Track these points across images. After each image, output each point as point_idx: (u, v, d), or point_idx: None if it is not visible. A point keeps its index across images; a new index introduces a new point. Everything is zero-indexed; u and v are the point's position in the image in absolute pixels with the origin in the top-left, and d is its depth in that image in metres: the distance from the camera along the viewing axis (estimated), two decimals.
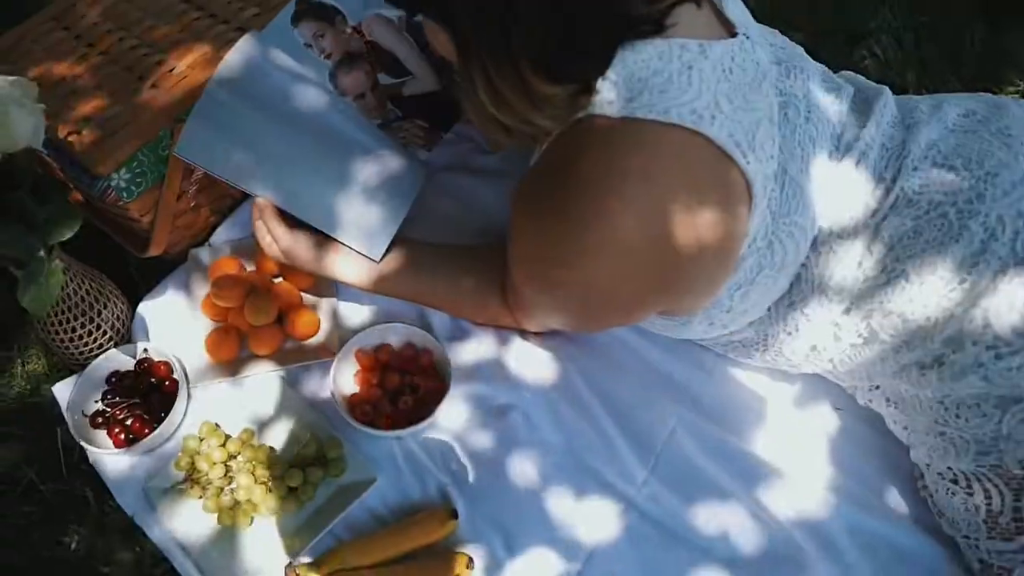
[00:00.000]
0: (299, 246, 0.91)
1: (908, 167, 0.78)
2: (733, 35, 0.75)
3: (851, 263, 0.78)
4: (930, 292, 0.75)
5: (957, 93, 0.91)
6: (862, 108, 0.83)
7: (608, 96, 0.69)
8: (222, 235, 1.11)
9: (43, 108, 0.82)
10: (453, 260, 0.95)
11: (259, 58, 0.91)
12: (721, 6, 0.77)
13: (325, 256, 0.92)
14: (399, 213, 0.92)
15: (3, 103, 0.77)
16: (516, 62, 0.65)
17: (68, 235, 0.81)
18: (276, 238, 0.91)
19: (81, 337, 1.00)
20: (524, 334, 1.00)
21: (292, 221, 0.91)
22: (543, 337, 1.00)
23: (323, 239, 0.92)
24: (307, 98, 0.92)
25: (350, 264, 0.92)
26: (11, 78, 0.82)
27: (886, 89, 0.86)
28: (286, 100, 0.91)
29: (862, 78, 0.91)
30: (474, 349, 1.00)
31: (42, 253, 0.82)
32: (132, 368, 1.01)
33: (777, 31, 0.88)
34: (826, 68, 0.88)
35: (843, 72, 0.94)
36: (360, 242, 0.91)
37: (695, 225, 0.71)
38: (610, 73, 0.68)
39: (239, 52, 0.90)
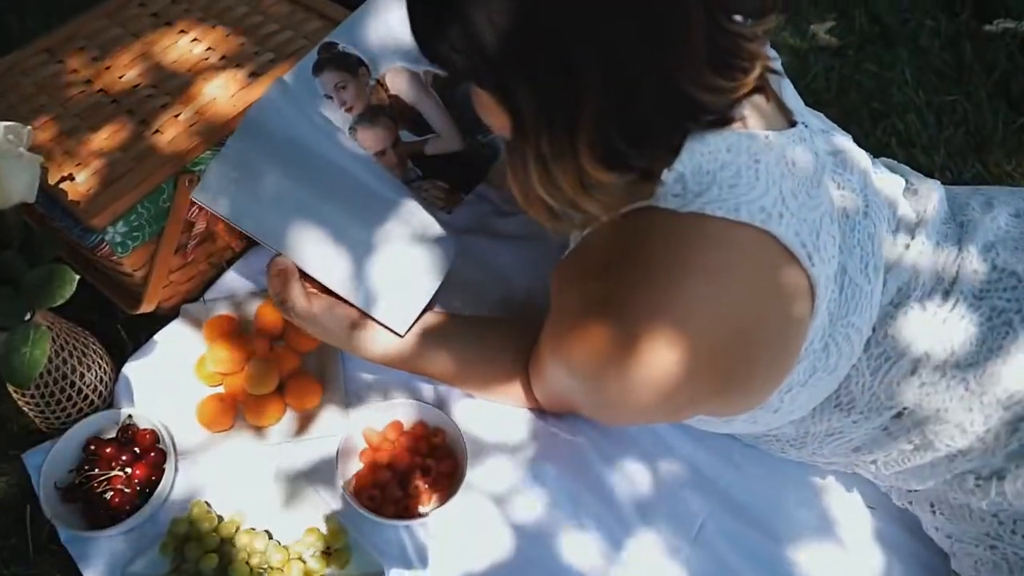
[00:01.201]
0: (315, 313, 0.84)
1: (967, 270, 0.75)
2: (792, 123, 0.71)
3: (905, 367, 0.74)
4: (993, 403, 0.72)
5: (1000, 187, 0.89)
6: (915, 203, 0.81)
7: (674, 189, 0.65)
8: (218, 290, 1.04)
9: (40, 160, 0.74)
10: (482, 336, 0.89)
11: (286, 107, 0.85)
12: (780, 92, 0.74)
13: (343, 327, 0.85)
14: (431, 284, 0.86)
15: None
16: (576, 147, 0.61)
17: (60, 301, 0.73)
18: (291, 300, 0.83)
19: (59, 402, 0.91)
20: (543, 415, 0.94)
21: (312, 284, 0.85)
22: (563, 419, 0.94)
23: (343, 307, 0.85)
24: (338, 154, 0.86)
25: (371, 338, 0.85)
26: (5, 124, 0.75)
27: (938, 184, 0.83)
28: (316, 155, 0.85)
29: (907, 168, 0.88)
30: (491, 429, 0.93)
31: (29, 318, 0.74)
32: (114, 436, 0.93)
33: (822, 115, 0.85)
34: (873, 157, 0.86)
35: (884, 160, 0.91)
36: (385, 313, 0.84)
37: (756, 329, 0.66)
38: (676, 165, 0.64)
39: (266, 100, 0.84)
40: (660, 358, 0.66)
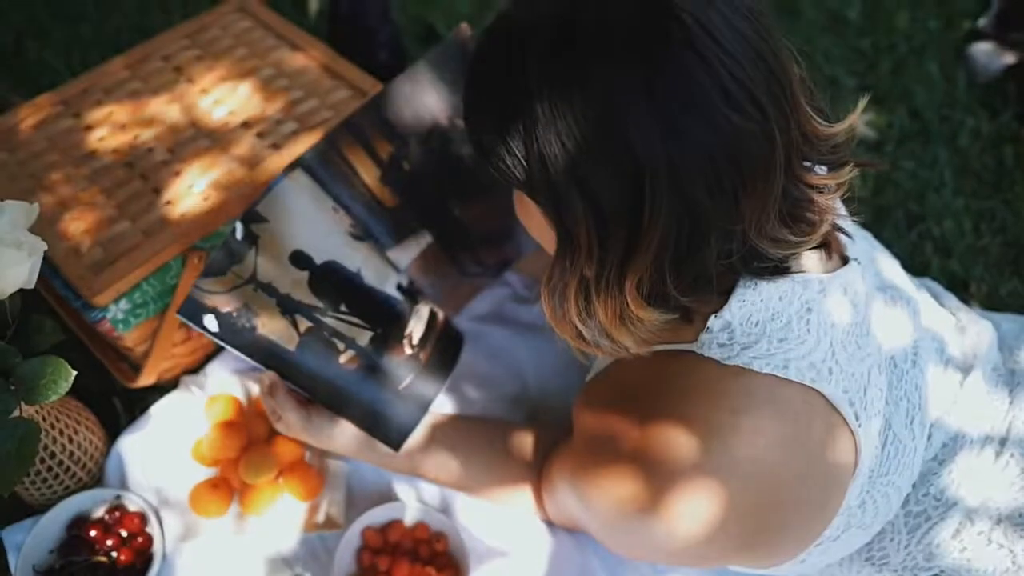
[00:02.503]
0: (309, 429, 0.81)
1: (1019, 429, 0.71)
2: (845, 260, 0.67)
3: (947, 529, 0.70)
4: None
5: None
6: (964, 343, 0.76)
7: (720, 338, 0.60)
8: (221, 362, 0.99)
9: (44, 247, 0.70)
10: (491, 444, 0.85)
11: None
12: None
13: (338, 440, 0.82)
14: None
15: None
16: (623, 282, 0.56)
17: (54, 398, 0.69)
18: (286, 420, 0.81)
19: (45, 479, 0.86)
20: (552, 526, 0.90)
21: (304, 397, 0.82)
22: (573, 532, 0.89)
23: (337, 419, 0.82)
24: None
25: (374, 447, 0.81)
26: (6, 203, 0.70)
27: (989, 325, 0.79)
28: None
29: (954, 299, 0.84)
30: (495, 537, 0.89)
31: (18, 413, 0.70)
32: (100, 516, 0.88)
33: (869, 234, 0.81)
34: (919, 284, 0.82)
35: (928, 283, 0.87)
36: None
37: (794, 492, 0.62)
38: (725, 313, 0.60)
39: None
40: (688, 516, 0.62)
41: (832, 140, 0.59)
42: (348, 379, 0.80)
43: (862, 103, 0.61)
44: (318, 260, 0.79)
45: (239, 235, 0.76)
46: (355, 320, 0.80)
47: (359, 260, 0.82)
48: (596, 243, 0.55)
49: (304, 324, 0.78)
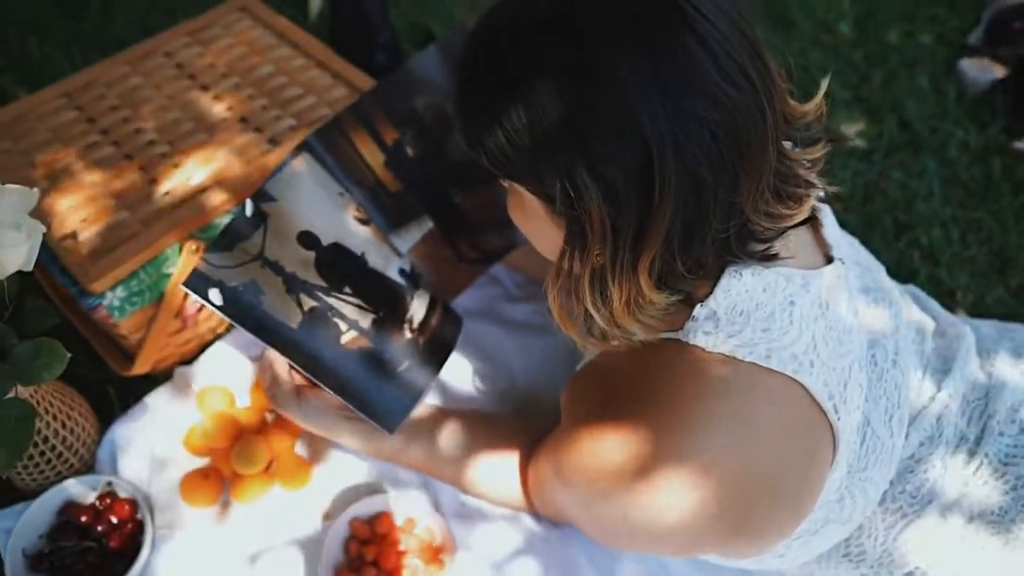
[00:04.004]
0: (305, 408, 0.82)
1: (993, 430, 0.72)
2: (829, 260, 0.69)
3: (922, 527, 0.71)
4: None
5: None
6: (943, 347, 0.78)
7: (705, 326, 0.62)
8: (216, 354, 1.00)
9: (43, 230, 0.71)
10: (475, 436, 0.86)
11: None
12: (820, 223, 0.71)
13: (333, 422, 0.83)
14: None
15: None
16: (637, 264, 0.57)
17: (50, 378, 0.70)
18: (279, 397, 0.82)
19: (37, 464, 0.87)
20: (538, 519, 0.91)
21: (302, 377, 0.82)
22: (559, 525, 0.90)
23: (333, 402, 0.83)
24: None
25: (363, 434, 0.83)
26: (7, 187, 0.72)
27: (968, 330, 0.80)
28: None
29: (936, 305, 0.86)
30: (482, 529, 0.90)
31: (14, 394, 0.71)
32: (91, 502, 0.89)
33: (856, 240, 0.82)
34: (904, 290, 0.83)
35: (912, 290, 0.88)
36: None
37: (775, 481, 0.64)
38: (710, 301, 0.61)
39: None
40: (666, 500, 0.63)
41: (805, 118, 0.62)
42: (347, 360, 0.80)
43: (824, 82, 0.63)
44: (324, 241, 0.81)
45: (248, 212, 0.77)
46: (358, 302, 0.82)
47: (364, 244, 0.84)
48: (609, 227, 0.55)
49: (308, 303, 0.79)
